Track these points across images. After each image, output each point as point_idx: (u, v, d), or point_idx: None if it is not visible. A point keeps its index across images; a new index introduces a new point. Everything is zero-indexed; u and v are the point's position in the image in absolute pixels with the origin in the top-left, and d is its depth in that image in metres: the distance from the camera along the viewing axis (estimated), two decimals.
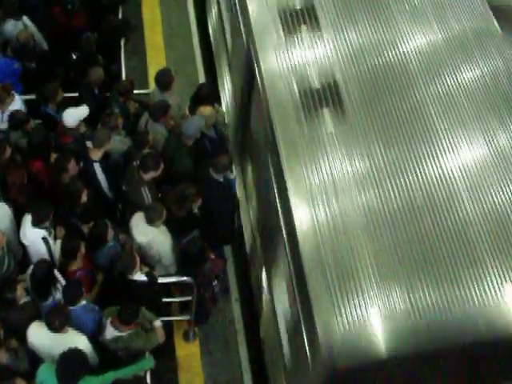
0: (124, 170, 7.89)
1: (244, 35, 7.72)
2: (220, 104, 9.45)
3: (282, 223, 6.26)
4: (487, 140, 6.38)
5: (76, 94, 8.92)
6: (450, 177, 6.09)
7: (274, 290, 7.03)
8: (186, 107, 8.60)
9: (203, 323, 8.13)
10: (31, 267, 6.89)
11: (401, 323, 5.35)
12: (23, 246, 7.27)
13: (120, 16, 10.58)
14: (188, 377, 7.97)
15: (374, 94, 6.62)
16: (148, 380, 7.07)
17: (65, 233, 7.32)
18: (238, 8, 8.10)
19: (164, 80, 8.54)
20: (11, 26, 9.38)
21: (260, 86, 6.95)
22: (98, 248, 7.24)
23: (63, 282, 6.88)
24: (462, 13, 7.33)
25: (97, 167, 7.81)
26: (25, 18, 9.46)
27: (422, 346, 5.34)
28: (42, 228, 7.09)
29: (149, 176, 7.66)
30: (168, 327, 7.61)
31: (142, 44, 11.12)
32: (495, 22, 7.29)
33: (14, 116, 8.14)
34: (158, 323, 6.98)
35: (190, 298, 7.68)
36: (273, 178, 6.64)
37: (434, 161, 6.19)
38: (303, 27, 7.09)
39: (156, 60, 10.83)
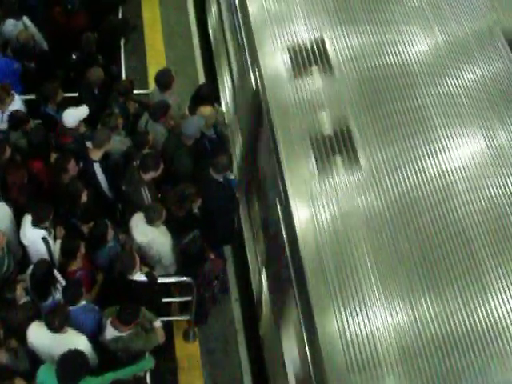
0: (124, 170, 7.88)
1: (252, 75, 7.65)
2: (220, 104, 9.45)
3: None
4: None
5: (76, 94, 8.91)
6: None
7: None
8: (186, 107, 8.60)
9: (203, 323, 8.13)
10: (31, 267, 6.89)
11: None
12: (23, 246, 7.27)
13: (120, 16, 10.57)
14: (188, 377, 7.97)
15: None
16: (148, 380, 7.06)
17: (65, 233, 7.32)
18: (246, 48, 8.01)
19: (164, 80, 8.53)
20: (11, 26, 9.37)
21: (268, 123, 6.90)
22: (97, 248, 7.24)
23: (63, 282, 6.88)
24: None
25: (97, 167, 7.80)
26: (25, 18, 9.45)
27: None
28: (41, 228, 7.09)
29: (149, 176, 7.66)
30: (168, 327, 7.61)
31: (141, 44, 11.11)
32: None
33: (13, 116, 8.13)
34: (157, 323, 6.97)
35: (189, 298, 7.68)
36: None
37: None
38: (314, 67, 7.03)
39: (156, 60, 10.83)
